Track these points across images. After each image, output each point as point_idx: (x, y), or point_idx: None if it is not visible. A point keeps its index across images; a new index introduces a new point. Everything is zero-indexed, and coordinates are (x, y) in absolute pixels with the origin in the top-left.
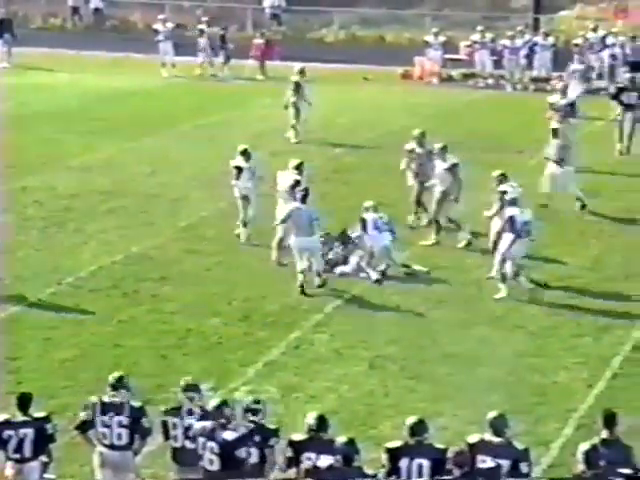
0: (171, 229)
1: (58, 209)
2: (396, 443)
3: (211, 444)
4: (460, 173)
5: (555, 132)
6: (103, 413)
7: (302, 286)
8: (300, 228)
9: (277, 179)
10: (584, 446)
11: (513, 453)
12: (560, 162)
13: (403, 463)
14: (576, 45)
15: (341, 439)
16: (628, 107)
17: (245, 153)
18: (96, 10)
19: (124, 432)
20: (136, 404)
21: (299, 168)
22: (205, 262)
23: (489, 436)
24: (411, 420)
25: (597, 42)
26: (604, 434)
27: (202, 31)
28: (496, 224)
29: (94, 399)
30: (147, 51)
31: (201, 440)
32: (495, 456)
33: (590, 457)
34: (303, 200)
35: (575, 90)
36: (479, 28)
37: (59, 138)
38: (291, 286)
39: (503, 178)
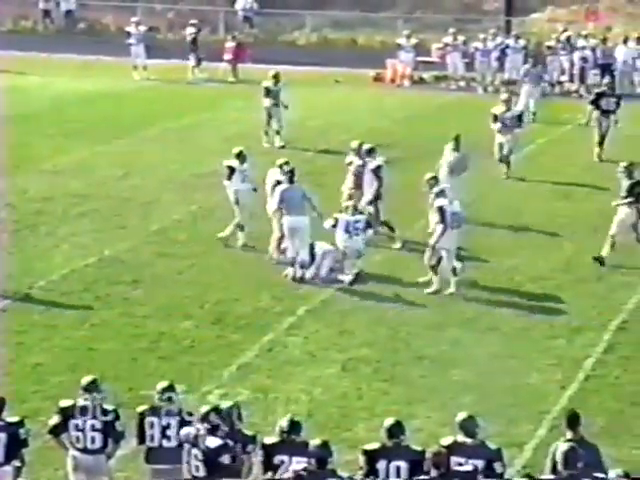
0: (143, 232)
1: (30, 212)
2: (373, 445)
3: (195, 451)
4: (385, 175)
5: (457, 142)
6: (76, 417)
7: (294, 278)
8: (292, 207)
9: (267, 177)
10: (562, 446)
11: (486, 453)
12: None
13: (381, 465)
14: (549, 47)
15: (315, 442)
16: (606, 113)
17: (240, 155)
18: (67, 13)
19: (97, 436)
20: (109, 407)
21: (282, 167)
22: (177, 265)
23: (462, 437)
24: (388, 422)
25: (567, 44)
26: (568, 435)
27: (129, 33)
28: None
29: (67, 403)
30: (119, 54)
31: (186, 446)
32: (469, 457)
33: (564, 457)
34: (291, 180)
35: (532, 95)
36: (451, 30)
37: (31, 141)
38: (263, 289)
39: (434, 182)
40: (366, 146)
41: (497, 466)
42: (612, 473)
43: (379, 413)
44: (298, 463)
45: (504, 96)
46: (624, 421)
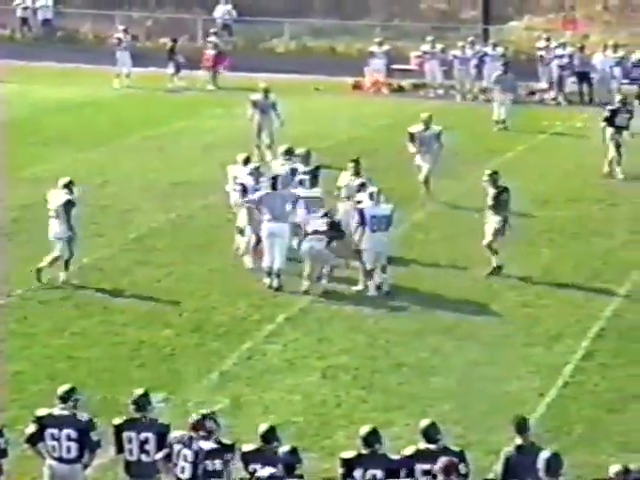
0: (122, 240)
1: (8, 220)
2: (350, 453)
3: (186, 451)
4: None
5: (357, 165)
6: (52, 426)
7: (270, 287)
8: (273, 213)
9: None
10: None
11: (451, 457)
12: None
13: (357, 473)
14: (541, 57)
15: (284, 448)
16: (619, 129)
17: (248, 161)
18: (45, 21)
19: (73, 445)
20: (85, 417)
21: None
22: (156, 273)
23: (424, 444)
24: (364, 430)
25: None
26: (518, 440)
27: (215, 44)
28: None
29: (43, 412)
30: (97, 62)
31: (177, 447)
32: (434, 462)
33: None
34: (273, 187)
35: (504, 103)
36: (429, 38)
37: (9, 149)
38: (241, 297)
39: (362, 186)
40: (301, 150)
41: (461, 467)
42: (614, 468)
43: (358, 420)
44: (266, 469)
45: (424, 115)
46: (602, 428)
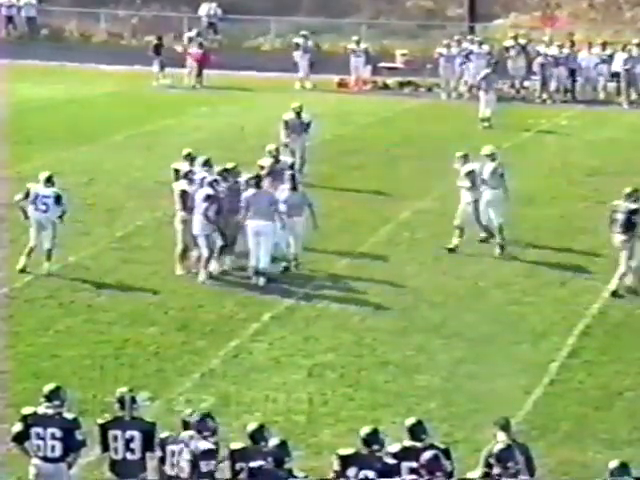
0: (107, 239)
1: None
2: (348, 451)
3: (185, 453)
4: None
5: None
6: (37, 425)
7: (257, 285)
8: (258, 212)
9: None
10: (498, 445)
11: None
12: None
13: (351, 472)
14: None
15: (274, 441)
16: None
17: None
18: (29, 19)
19: (57, 444)
20: (69, 416)
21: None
22: (141, 272)
23: (409, 442)
24: (365, 430)
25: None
26: (501, 437)
27: (297, 45)
28: None
29: (29, 410)
30: (82, 60)
31: (177, 448)
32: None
33: (498, 456)
34: (257, 186)
35: (489, 101)
36: (445, 42)
37: None
38: (227, 295)
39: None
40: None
41: (447, 465)
42: (613, 463)
43: (344, 419)
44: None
45: (295, 104)
46: (588, 425)
